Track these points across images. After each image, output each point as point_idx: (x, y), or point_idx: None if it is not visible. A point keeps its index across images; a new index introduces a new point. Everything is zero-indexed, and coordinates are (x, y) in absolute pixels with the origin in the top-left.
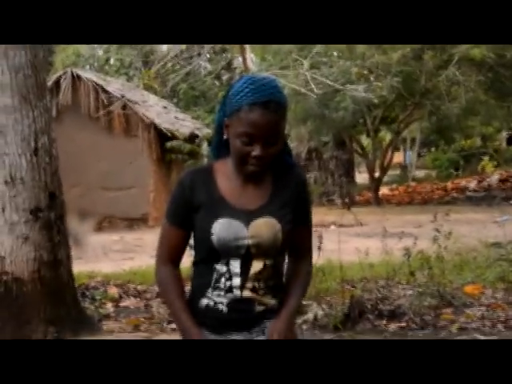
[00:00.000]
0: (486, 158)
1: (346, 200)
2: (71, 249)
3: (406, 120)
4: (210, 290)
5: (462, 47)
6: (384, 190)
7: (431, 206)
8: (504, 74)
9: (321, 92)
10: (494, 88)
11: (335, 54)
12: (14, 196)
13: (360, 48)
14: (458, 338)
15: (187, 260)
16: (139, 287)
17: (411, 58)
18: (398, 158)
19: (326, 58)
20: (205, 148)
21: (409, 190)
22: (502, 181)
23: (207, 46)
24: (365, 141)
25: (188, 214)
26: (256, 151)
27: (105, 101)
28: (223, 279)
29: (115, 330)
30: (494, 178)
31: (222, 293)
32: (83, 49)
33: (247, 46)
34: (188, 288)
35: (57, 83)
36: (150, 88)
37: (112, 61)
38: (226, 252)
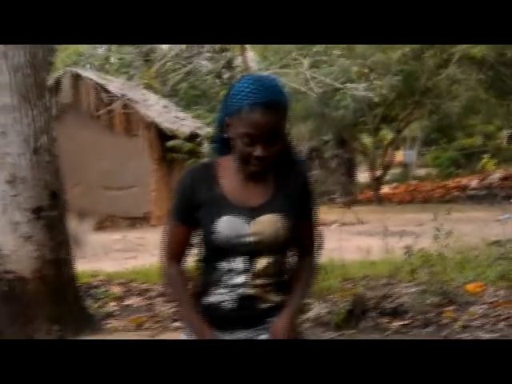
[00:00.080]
0: (487, 157)
1: (347, 199)
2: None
3: (406, 119)
4: (214, 288)
5: (463, 46)
6: (385, 189)
7: (432, 204)
8: (504, 72)
9: (321, 91)
10: (495, 86)
11: (335, 52)
12: (15, 195)
13: (360, 47)
14: (461, 335)
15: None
16: (142, 286)
17: (411, 57)
18: (399, 156)
19: (326, 56)
20: (205, 147)
21: (410, 189)
22: (503, 179)
23: (207, 45)
24: (366, 139)
25: (191, 211)
26: (257, 152)
27: (105, 100)
28: (227, 277)
29: (118, 329)
30: (495, 176)
31: (227, 290)
32: (84, 48)
33: (247, 45)
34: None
35: (57, 82)
36: (150, 87)
37: (112, 60)
38: (229, 250)
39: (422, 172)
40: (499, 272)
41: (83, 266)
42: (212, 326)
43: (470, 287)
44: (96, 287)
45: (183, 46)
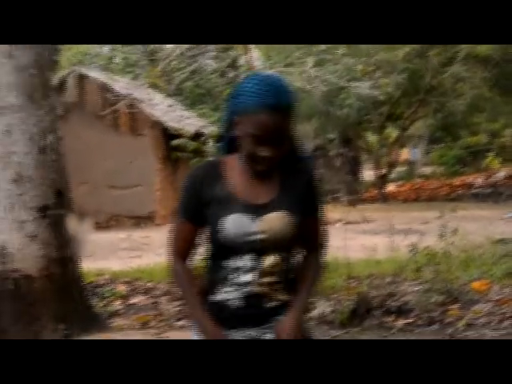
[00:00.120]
0: (491, 155)
1: (352, 197)
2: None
3: (411, 117)
4: (221, 286)
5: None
6: (390, 187)
7: (437, 202)
8: (509, 70)
9: (325, 89)
10: (500, 84)
11: (339, 51)
12: (21, 194)
13: (364, 45)
14: (466, 333)
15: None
16: (147, 285)
17: (416, 55)
18: (405, 154)
19: (331, 55)
20: (210, 146)
21: (415, 187)
22: (509, 177)
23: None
24: (371, 138)
25: (198, 208)
26: (264, 152)
27: (110, 99)
28: (235, 274)
29: (124, 327)
30: (501, 174)
31: (233, 288)
32: (89, 47)
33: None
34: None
35: (62, 82)
36: (155, 86)
37: (117, 59)
38: (237, 247)
39: (427, 170)
40: (504, 270)
41: (88, 264)
42: (219, 324)
43: (476, 285)
44: (101, 286)
45: (188, 45)
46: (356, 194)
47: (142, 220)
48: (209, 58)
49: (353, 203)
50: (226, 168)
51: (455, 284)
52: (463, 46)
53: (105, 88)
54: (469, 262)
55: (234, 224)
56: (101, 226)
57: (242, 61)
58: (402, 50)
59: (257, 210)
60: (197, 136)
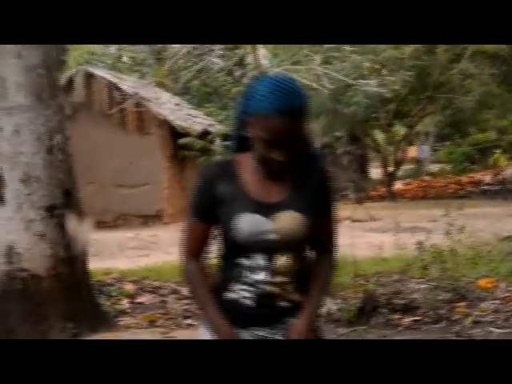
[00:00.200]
0: (499, 152)
1: (360, 195)
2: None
3: (419, 114)
4: (234, 284)
5: None
6: (398, 185)
7: (445, 200)
8: None
9: (333, 87)
10: (508, 81)
11: (347, 48)
12: (29, 194)
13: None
14: (472, 331)
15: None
16: (154, 283)
17: (424, 52)
18: (412, 152)
19: (338, 52)
20: (217, 144)
21: (423, 185)
22: None
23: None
24: (378, 135)
25: (210, 206)
26: (275, 155)
27: (118, 98)
28: (247, 273)
29: (131, 326)
30: (509, 171)
31: (246, 287)
32: (96, 47)
33: None
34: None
35: (70, 81)
36: (162, 85)
37: (125, 58)
38: (249, 246)
39: (435, 168)
40: (511, 267)
41: (96, 263)
42: (230, 323)
43: (482, 283)
44: (109, 285)
45: (195, 44)
46: (363, 192)
47: (149, 219)
48: (216, 56)
49: (360, 201)
50: (238, 167)
51: (462, 282)
52: None
53: (112, 87)
54: (476, 260)
55: (248, 222)
56: (109, 225)
57: (249, 59)
58: (410, 48)
59: (270, 209)
60: (204, 134)
